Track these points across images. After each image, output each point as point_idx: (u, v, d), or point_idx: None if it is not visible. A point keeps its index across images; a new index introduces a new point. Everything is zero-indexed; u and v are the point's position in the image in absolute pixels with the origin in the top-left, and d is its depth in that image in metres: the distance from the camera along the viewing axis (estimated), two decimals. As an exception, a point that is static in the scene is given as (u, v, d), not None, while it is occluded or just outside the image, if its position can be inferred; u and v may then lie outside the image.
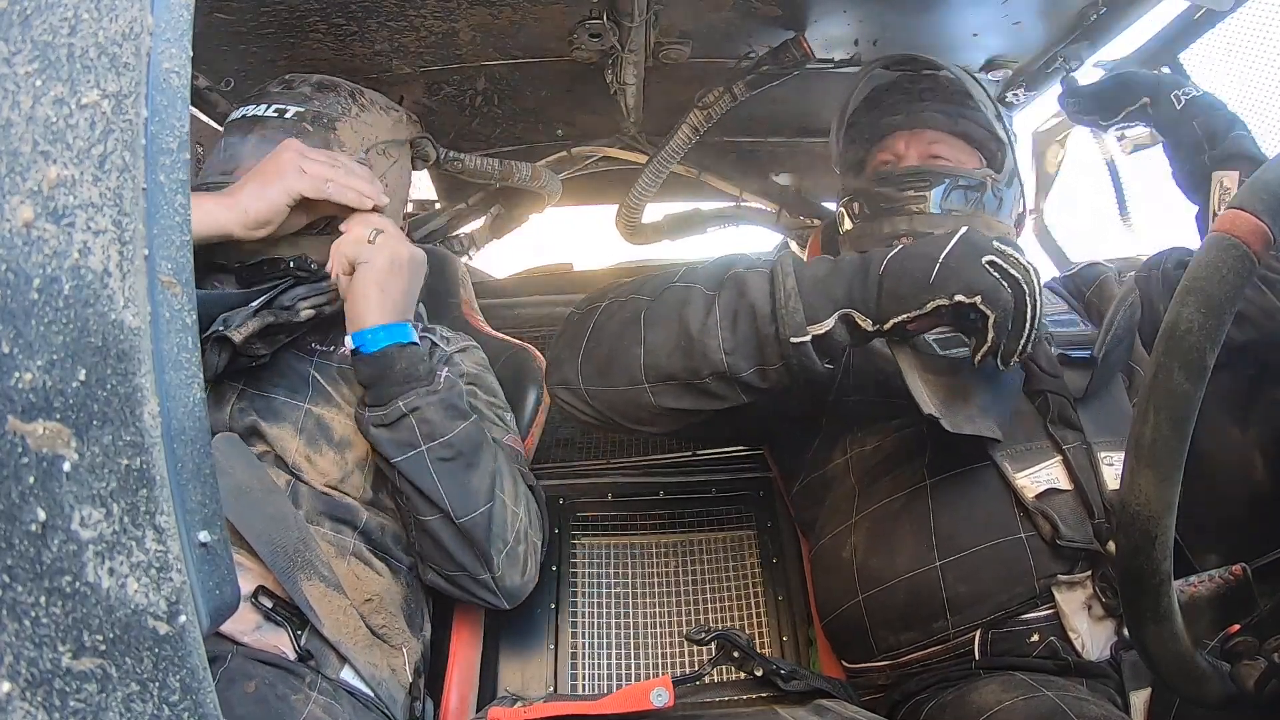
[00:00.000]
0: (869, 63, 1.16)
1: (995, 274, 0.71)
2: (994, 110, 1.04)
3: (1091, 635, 0.78)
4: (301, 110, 1.00)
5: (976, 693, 0.76)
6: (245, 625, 0.80)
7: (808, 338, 0.74)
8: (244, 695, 0.71)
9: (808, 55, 1.16)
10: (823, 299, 0.75)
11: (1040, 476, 0.84)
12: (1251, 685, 0.52)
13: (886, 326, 0.74)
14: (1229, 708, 0.54)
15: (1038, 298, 0.72)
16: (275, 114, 1.00)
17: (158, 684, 0.30)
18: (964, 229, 0.74)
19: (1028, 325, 0.71)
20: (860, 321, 0.74)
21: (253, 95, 1.04)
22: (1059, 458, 0.85)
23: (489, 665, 1.11)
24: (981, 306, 0.71)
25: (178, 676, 0.31)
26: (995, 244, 0.73)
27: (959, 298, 0.71)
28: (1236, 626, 0.57)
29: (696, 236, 1.78)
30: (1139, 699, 0.77)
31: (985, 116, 1.05)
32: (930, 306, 0.72)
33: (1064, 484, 0.84)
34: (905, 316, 0.73)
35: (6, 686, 0.24)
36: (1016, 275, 0.71)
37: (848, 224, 1.08)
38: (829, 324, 0.75)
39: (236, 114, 1.02)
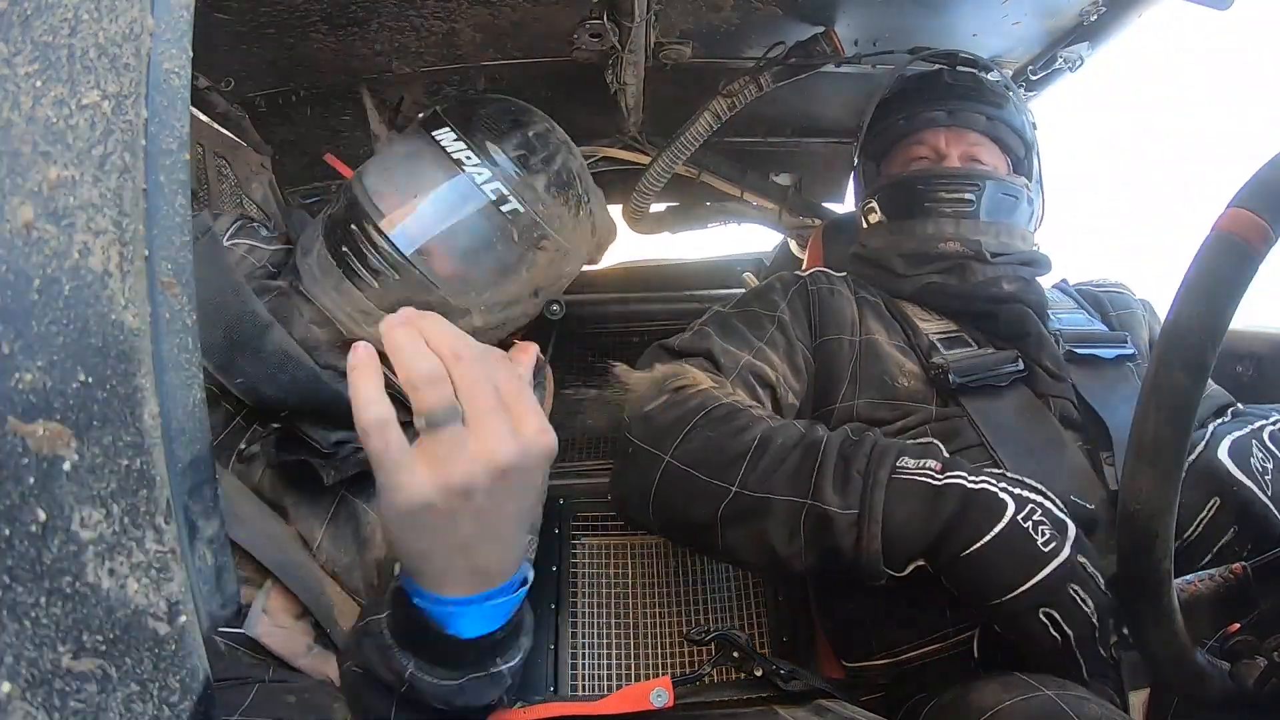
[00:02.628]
0: (911, 50, 1.15)
1: (1046, 622, 0.65)
2: (1028, 116, 1.05)
3: None
4: (520, 211, 0.83)
5: (976, 692, 0.76)
6: (298, 648, 0.74)
7: (883, 581, 0.72)
8: (283, 703, 0.68)
9: (838, 50, 1.15)
10: (903, 554, 0.70)
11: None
12: (1251, 684, 0.53)
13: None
14: (1228, 706, 0.54)
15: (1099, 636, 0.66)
16: (494, 196, 0.82)
17: (158, 684, 0.30)
18: (1060, 559, 0.65)
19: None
20: (932, 570, 0.71)
21: (480, 130, 0.84)
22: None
23: (489, 665, 1.10)
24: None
25: (178, 677, 0.31)
26: (1083, 568, 0.66)
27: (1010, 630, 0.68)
28: (1236, 625, 0.57)
29: (697, 230, 1.80)
30: (1138, 698, 0.77)
31: (1020, 121, 1.05)
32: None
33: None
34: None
35: (7, 687, 0.24)
36: (1085, 613, 0.65)
37: (877, 216, 1.07)
38: (907, 571, 0.71)
39: (454, 145, 0.82)
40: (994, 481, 0.70)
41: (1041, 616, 0.65)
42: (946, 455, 0.74)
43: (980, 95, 1.05)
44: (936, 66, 1.11)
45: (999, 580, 0.66)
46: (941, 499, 0.69)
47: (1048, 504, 0.69)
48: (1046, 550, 0.66)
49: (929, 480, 0.71)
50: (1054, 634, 0.65)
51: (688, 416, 0.81)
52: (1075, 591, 0.65)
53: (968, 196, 0.99)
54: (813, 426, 0.80)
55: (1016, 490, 0.69)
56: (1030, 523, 0.67)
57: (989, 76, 1.09)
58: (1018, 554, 0.66)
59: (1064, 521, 0.69)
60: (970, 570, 0.67)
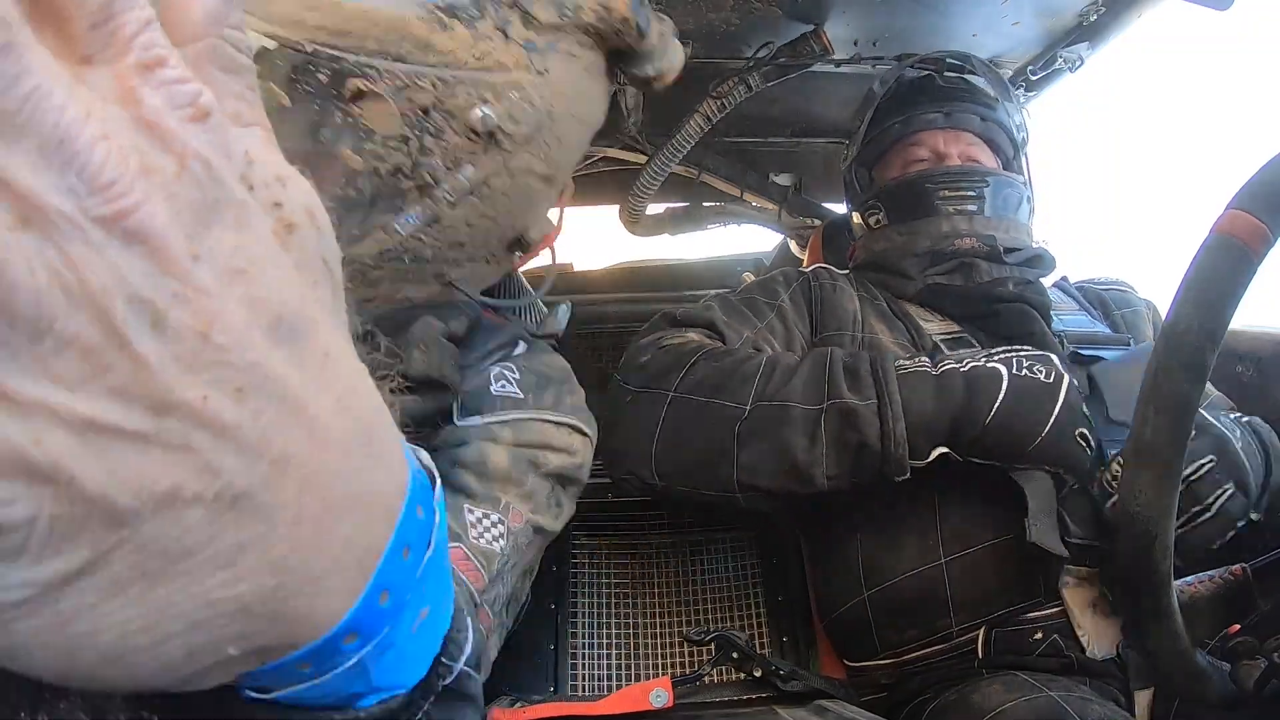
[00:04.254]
0: (898, 57, 1.15)
1: (1083, 444, 0.75)
2: (1019, 117, 1.05)
3: (1097, 633, 0.78)
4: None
5: (979, 693, 0.76)
6: None
7: (908, 474, 0.77)
8: None
9: (827, 49, 1.14)
10: (927, 438, 0.77)
11: None
12: (1251, 685, 0.53)
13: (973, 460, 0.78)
14: (1229, 707, 0.54)
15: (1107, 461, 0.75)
16: None
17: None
18: (1066, 382, 0.76)
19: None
20: (954, 455, 0.78)
21: None
22: None
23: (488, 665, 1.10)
24: (1065, 476, 0.77)
25: None
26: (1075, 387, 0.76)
27: (1047, 469, 0.77)
28: (1236, 626, 0.57)
29: (697, 232, 1.79)
30: (1143, 698, 0.77)
31: (1009, 122, 1.05)
32: (1020, 467, 0.77)
33: (1073, 481, 0.84)
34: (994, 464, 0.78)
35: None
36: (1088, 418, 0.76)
37: (879, 219, 1.07)
38: (930, 459, 0.77)
39: None
40: (978, 358, 0.78)
41: (1078, 438, 0.74)
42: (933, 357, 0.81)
43: (973, 96, 1.07)
44: (927, 71, 1.12)
45: (1029, 426, 0.74)
46: (944, 383, 0.77)
47: (1025, 349, 0.79)
48: (1051, 381, 0.75)
49: (928, 370, 0.79)
50: (1089, 449, 0.75)
51: (686, 356, 0.85)
52: (1083, 439, 0.75)
53: (971, 194, 1.00)
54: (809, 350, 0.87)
55: (999, 354, 0.78)
56: (1025, 370, 0.76)
57: (975, 80, 1.10)
58: (1034, 398, 0.75)
59: (1044, 355, 0.78)
60: (998, 435, 0.74)
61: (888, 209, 1.06)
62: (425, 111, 0.49)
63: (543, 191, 0.61)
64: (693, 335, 0.91)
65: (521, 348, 0.70)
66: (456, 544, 0.55)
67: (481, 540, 0.56)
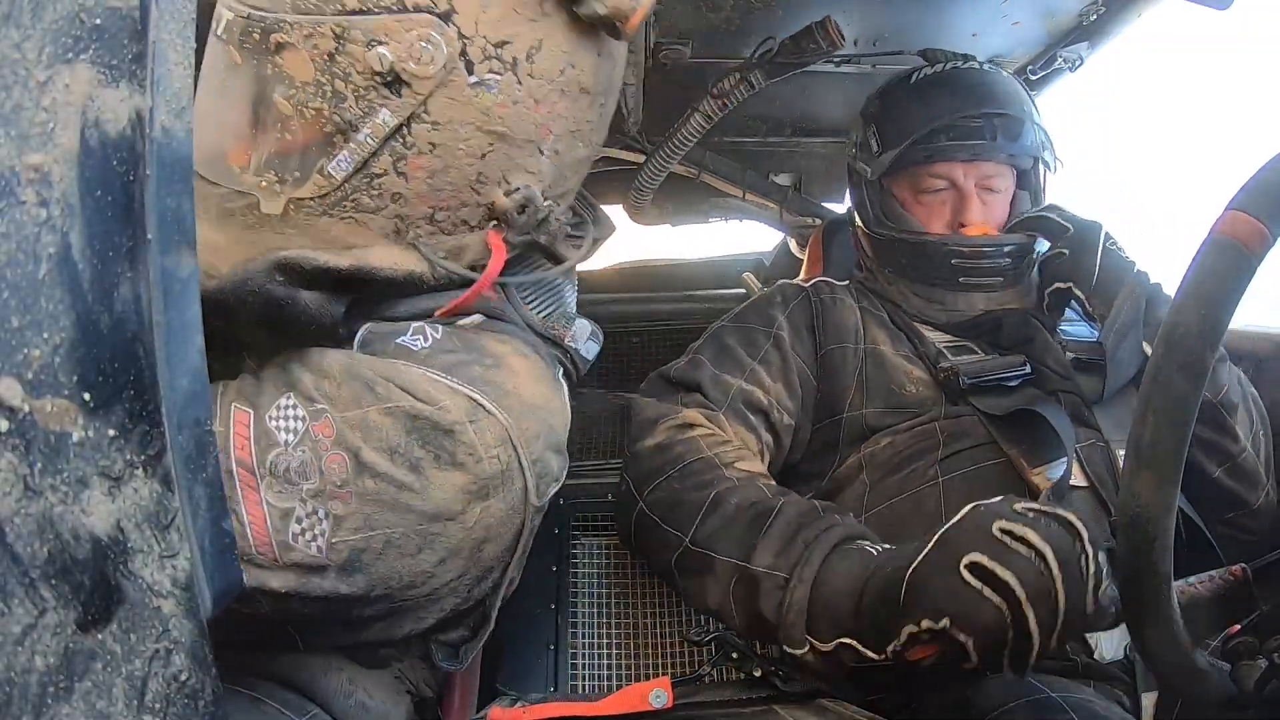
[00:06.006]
0: (920, 52, 1.10)
1: (975, 582, 0.56)
2: (1043, 135, 1.02)
3: (1105, 635, 0.78)
4: (231, 17, 0.55)
5: (981, 693, 0.76)
6: None
7: (804, 650, 0.68)
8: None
9: (834, 41, 1.08)
10: (828, 624, 0.67)
11: (1055, 473, 0.83)
12: (1251, 685, 0.53)
13: (887, 655, 0.64)
14: (1229, 708, 0.54)
15: (1053, 589, 0.55)
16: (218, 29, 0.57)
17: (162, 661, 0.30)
18: (951, 524, 0.62)
19: (1034, 635, 0.55)
20: (862, 650, 0.66)
21: None
22: (1074, 454, 0.85)
23: (489, 665, 1.11)
24: (954, 632, 0.57)
25: (182, 655, 0.31)
26: (996, 527, 0.58)
27: (926, 623, 0.58)
28: (1236, 626, 0.57)
29: (698, 224, 1.85)
30: (1150, 701, 0.77)
31: (1034, 141, 1.01)
32: (905, 635, 0.60)
33: (1079, 481, 0.84)
34: (892, 648, 0.62)
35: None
36: (1010, 576, 0.55)
37: (892, 264, 1.05)
38: (829, 647, 0.67)
39: None
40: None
41: (930, 624, 0.58)
42: None
43: (1005, 130, 0.99)
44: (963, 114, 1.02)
45: (889, 598, 0.62)
46: (866, 584, 0.65)
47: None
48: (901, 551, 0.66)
49: (870, 550, 0.68)
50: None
51: (666, 466, 0.85)
52: (975, 570, 0.57)
53: (993, 271, 0.99)
54: (778, 494, 0.79)
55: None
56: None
57: (1010, 93, 1.02)
58: (890, 568, 0.64)
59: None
60: (875, 606, 0.64)
61: (907, 265, 1.03)
62: (330, 56, 0.53)
63: (498, 150, 0.58)
64: (685, 416, 0.89)
65: (476, 319, 0.65)
66: (248, 408, 0.54)
67: (271, 421, 0.54)
